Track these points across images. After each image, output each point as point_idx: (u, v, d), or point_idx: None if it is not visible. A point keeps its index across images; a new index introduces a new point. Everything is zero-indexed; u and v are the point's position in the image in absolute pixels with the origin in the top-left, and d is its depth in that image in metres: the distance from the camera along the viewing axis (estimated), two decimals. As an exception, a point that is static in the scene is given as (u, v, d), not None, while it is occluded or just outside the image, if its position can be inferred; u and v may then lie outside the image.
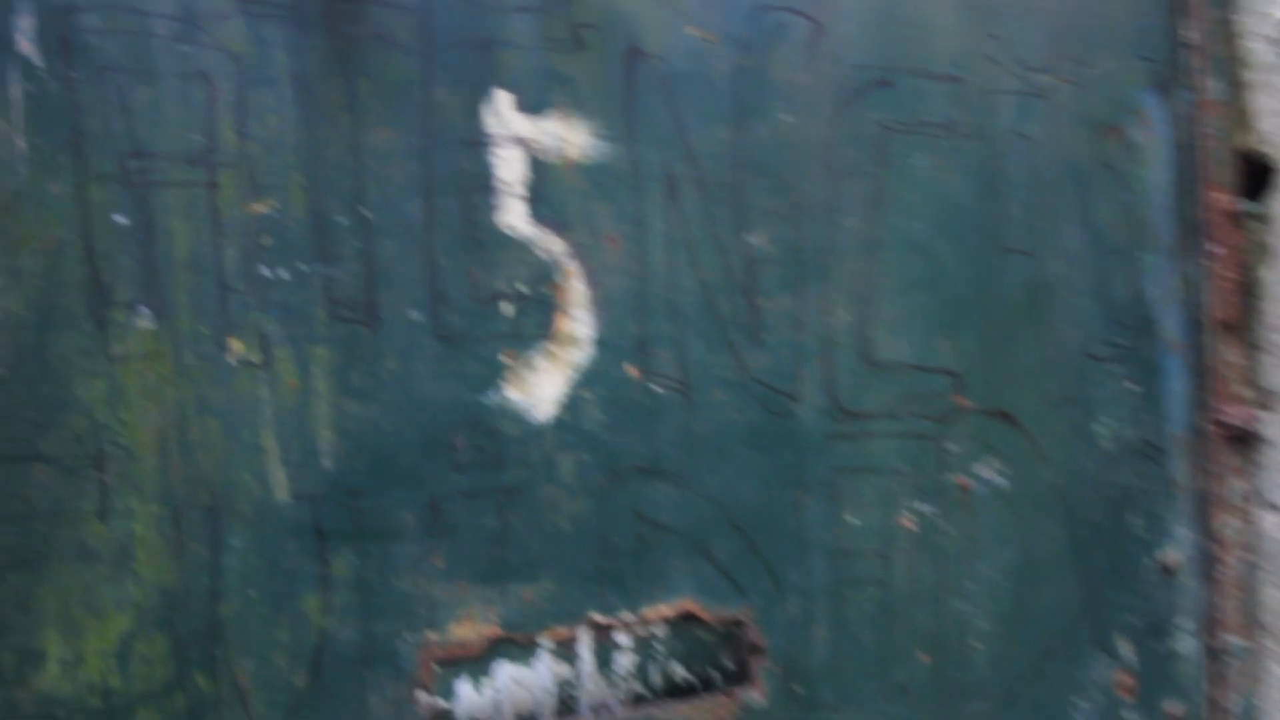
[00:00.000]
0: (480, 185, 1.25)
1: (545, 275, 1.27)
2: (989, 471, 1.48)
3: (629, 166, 1.29)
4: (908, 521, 1.43)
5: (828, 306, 1.38)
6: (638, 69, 1.29)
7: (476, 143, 1.24)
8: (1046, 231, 1.48)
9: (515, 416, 1.27)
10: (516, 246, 1.26)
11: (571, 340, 1.28)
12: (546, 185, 1.27)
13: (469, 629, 1.26)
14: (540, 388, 1.28)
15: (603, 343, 1.29)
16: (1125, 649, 1.55)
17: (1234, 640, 1.58)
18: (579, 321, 1.29)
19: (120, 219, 1.16)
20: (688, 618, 1.35)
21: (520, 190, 1.26)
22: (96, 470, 1.16)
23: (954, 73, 1.42)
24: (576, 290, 1.28)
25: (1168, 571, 1.57)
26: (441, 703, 1.25)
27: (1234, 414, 1.56)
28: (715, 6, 1.31)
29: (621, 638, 1.33)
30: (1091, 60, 1.50)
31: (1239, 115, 1.55)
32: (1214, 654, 1.58)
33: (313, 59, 1.20)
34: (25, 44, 1.13)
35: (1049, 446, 1.50)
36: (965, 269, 1.45)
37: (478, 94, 1.24)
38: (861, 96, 1.38)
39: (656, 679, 1.34)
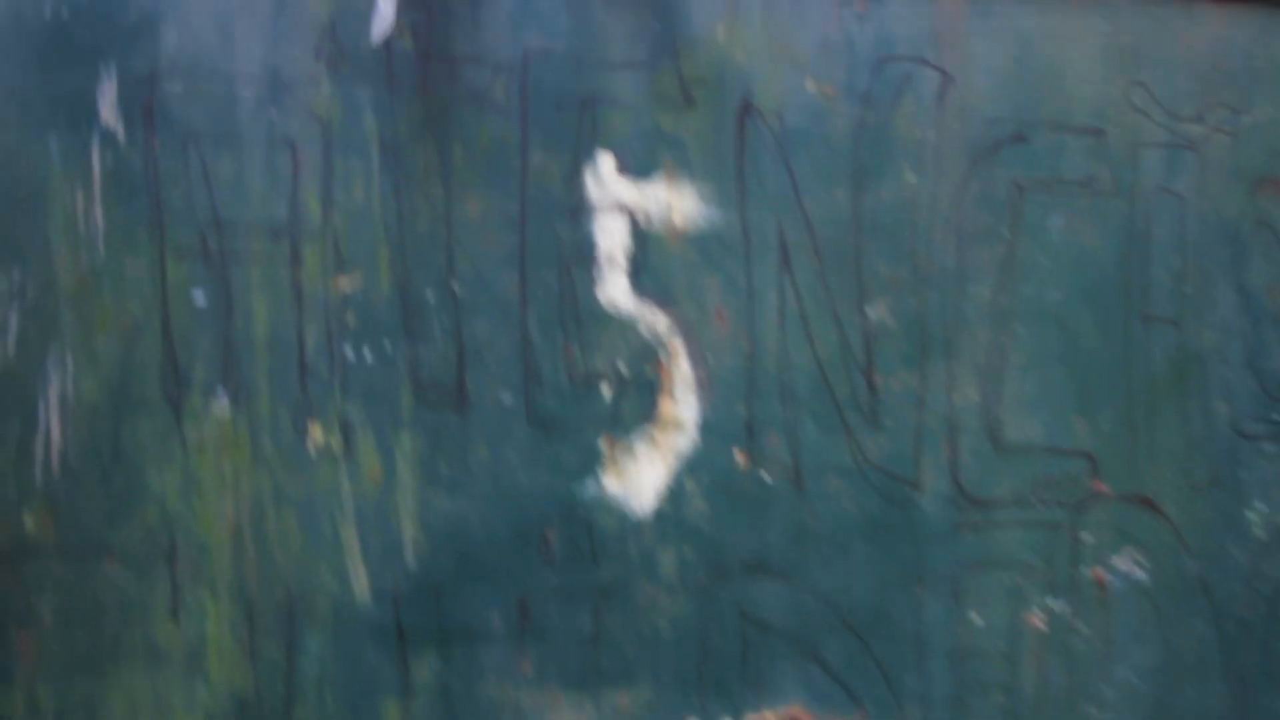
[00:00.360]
0: (579, 257, 1.15)
1: (648, 354, 1.17)
2: (1127, 564, 1.33)
3: (739, 234, 1.18)
4: (1037, 620, 1.29)
5: (953, 384, 1.25)
6: (751, 127, 1.19)
7: (576, 210, 1.14)
8: (1195, 297, 1.34)
9: (613, 508, 1.16)
10: (617, 323, 1.16)
11: (675, 424, 1.18)
12: (651, 255, 1.16)
13: (562, 742, 1.15)
14: (640, 477, 1.17)
15: (708, 427, 1.18)
16: (1277, 761, 1.38)
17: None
18: (683, 404, 1.18)
19: (199, 297, 1.09)
20: (797, 729, 1.23)
21: (622, 261, 1.16)
22: (168, 565, 1.09)
23: (1094, 124, 1.28)
24: (681, 370, 1.18)
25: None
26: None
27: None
28: (835, 58, 1.20)
29: (725, 750, 1.21)
30: (1248, 107, 1.35)
31: None
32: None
33: (403, 123, 1.11)
34: (107, 113, 1.07)
35: (1194, 535, 1.34)
36: (1104, 340, 1.30)
37: (578, 157, 1.15)
38: (993, 153, 1.25)
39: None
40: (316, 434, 1.10)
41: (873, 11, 1.21)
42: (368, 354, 1.10)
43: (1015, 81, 1.25)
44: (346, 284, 1.10)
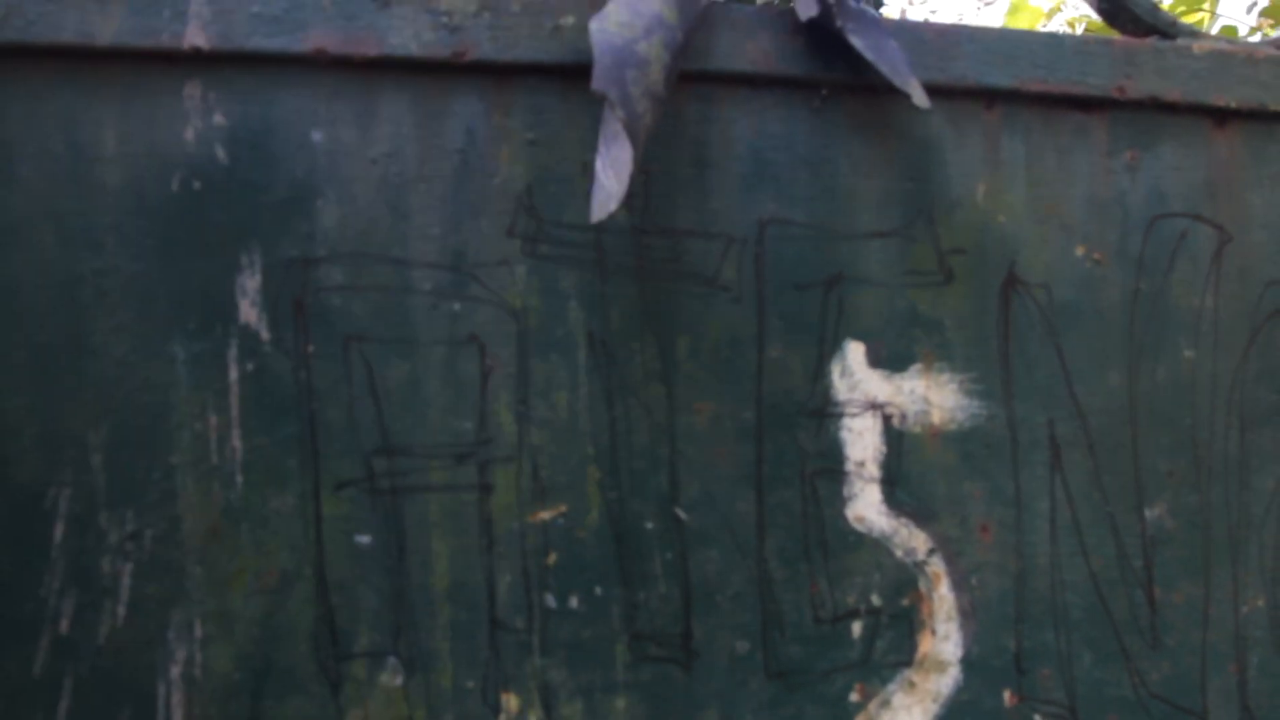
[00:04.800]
0: (826, 469, 0.95)
1: (906, 582, 0.97)
2: None
3: (1006, 431, 0.99)
4: None
5: (1239, 592, 1.07)
6: (1016, 303, 1.01)
7: (821, 413, 0.95)
8: None
9: (866, 774, 0.96)
10: (869, 546, 0.96)
11: (937, 665, 0.97)
12: (907, 463, 0.96)
13: None
14: (896, 732, 0.97)
15: (972, 664, 0.98)
16: None
17: None
18: (945, 639, 0.98)
19: (363, 540, 0.87)
20: None
21: (874, 472, 0.96)
22: None
23: (1380, 282, 1.13)
24: (943, 598, 0.98)
25: None
26: None
27: None
28: (1106, 217, 1.02)
29: None
30: None
31: None
32: None
33: (615, 313, 0.91)
34: (247, 309, 0.85)
35: None
36: (1386, 526, 1.14)
37: (824, 348, 0.96)
38: (1276, 320, 1.09)
39: None
40: (511, 705, 0.87)
41: (1145, 162, 1.05)
42: (574, 601, 0.89)
43: (1295, 236, 1.10)
44: (548, 516, 0.89)
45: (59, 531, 0.80)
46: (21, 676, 0.79)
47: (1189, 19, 2.50)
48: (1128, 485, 1.02)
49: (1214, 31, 2.51)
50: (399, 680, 0.85)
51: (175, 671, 0.82)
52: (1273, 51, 1.09)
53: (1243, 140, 1.07)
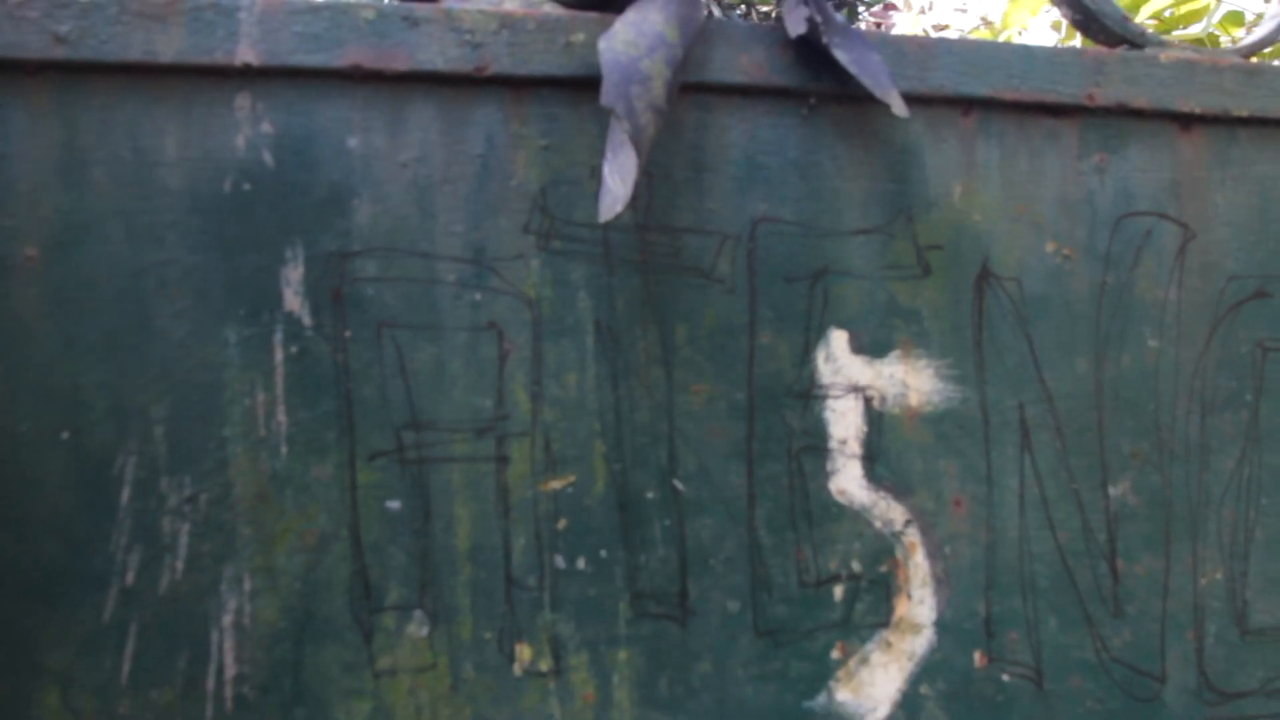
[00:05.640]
0: (811, 446, 1.04)
1: (884, 550, 1.06)
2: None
3: (978, 413, 1.07)
4: (1282, 817, 1.18)
5: (1198, 565, 1.15)
6: (989, 295, 1.09)
7: (808, 395, 1.04)
8: None
9: (846, 723, 1.05)
10: (850, 517, 1.04)
11: (912, 626, 1.06)
12: (886, 441, 1.05)
13: None
14: (874, 686, 1.05)
15: (945, 627, 1.06)
16: None
17: None
18: (920, 603, 1.06)
19: (393, 505, 0.97)
20: None
21: (856, 449, 1.05)
22: (355, 811, 0.96)
23: (1337, 277, 1.20)
24: (918, 566, 1.07)
25: None
26: None
27: None
28: (1076, 216, 1.10)
29: None
30: None
31: None
32: None
33: (620, 303, 1.01)
34: (291, 298, 0.95)
35: None
36: (1343, 506, 1.21)
37: (810, 336, 1.04)
38: (1236, 312, 1.16)
39: None
40: (524, 654, 0.97)
41: (1113, 164, 1.12)
42: (581, 563, 0.98)
43: (1256, 234, 1.16)
44: (559, 485, 0.98)
45: (125, 495, 0.91)
46: (93, 623, 0.89)
47: (1189, 4, 2.53)
48: (1093, 464, 1.10)
49: (1217, 18, 2.55)
50: (424, 631, 0.95)
51: (227, 620, 0.92)
52: (1236, 59, 1.16)
53: (1206, 143, 1.14)
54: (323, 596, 0.94)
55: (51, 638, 0.88)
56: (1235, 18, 2.57)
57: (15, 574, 0.88)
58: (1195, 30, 2.42)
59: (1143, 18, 2.46)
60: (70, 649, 0.89)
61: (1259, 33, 1.21)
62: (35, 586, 0.88)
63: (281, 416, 0.94)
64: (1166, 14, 2.55)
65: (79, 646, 0.89)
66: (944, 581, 1.06)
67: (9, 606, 0.88)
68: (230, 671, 0.92)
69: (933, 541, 1.05)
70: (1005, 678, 1.08)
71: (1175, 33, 2.44)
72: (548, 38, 0.98)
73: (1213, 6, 2.53)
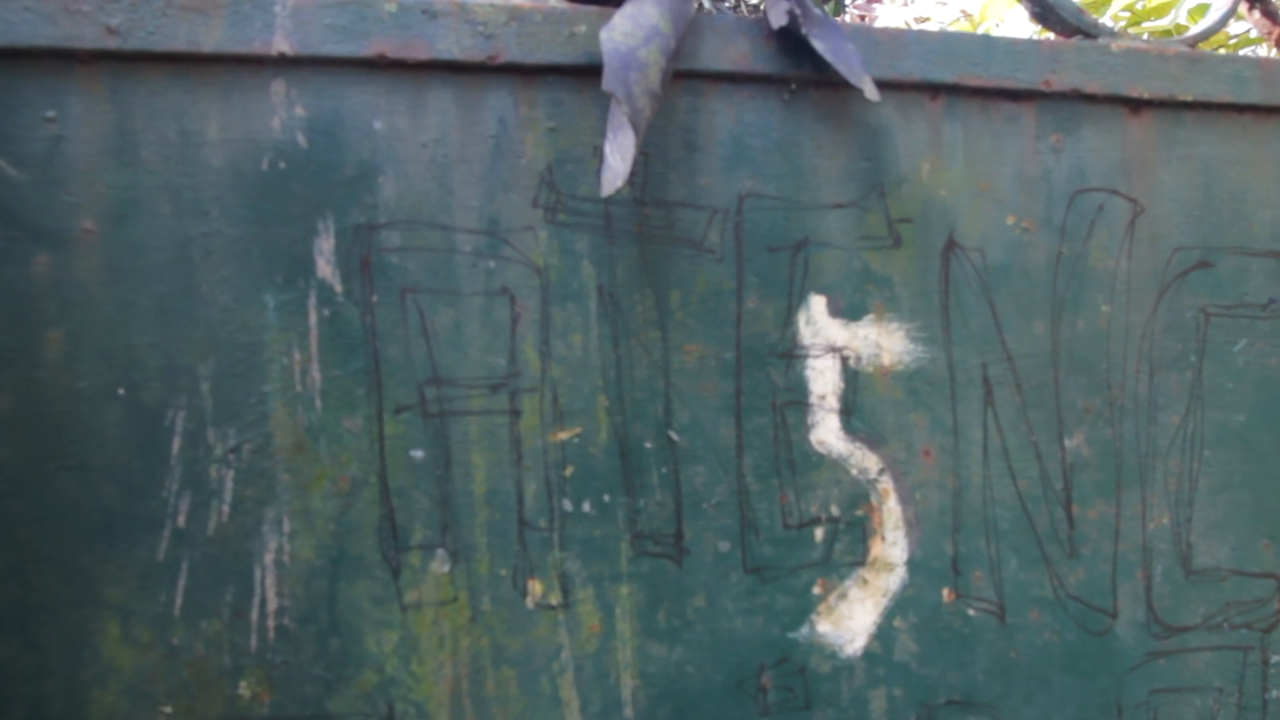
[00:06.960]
0: (793, 400, 1.14)
1: (860, 496, 1.16)
2: (1306, 679, 1.33)
3: (945, 371, 1.17)
4: (1225, 741, 1.29)
5: (1146, 511, 1.25)
6: (955, 264, 1.19)
7: (790, 354, 1.14)
8: (1365, 413, 1.35)
9: (826, 652, 1.14)
10: (829, 465, 1.15)
11: (885, 565, 1.16)
12: (861, 396, 1.15)
13: None
14: (852, 619, 1.15)
15: (916, 565, 1.17)
16: None
17: None
18: (893, 544, 1.17)
19: (417, 454, 1.06)
20: None
21: (834, 404, 1.15)
22: (384, 730, 1.06)
23: (1276, 248, 1.30)
24: (891, 510, 1.17)
25: None
26: None
27: None
28: (1034, 191, 1.20)
29: None
30: None
31: None
32: None
33: (621, 270, 1.10)
34: (324, 266, 1.04)
35: (1365, 646, 1.35)
36: (1282, 458, 1.32)
37: (792, 301, 1.14)
38: (1181, 280, 1.26)
39: None
40: (536, 589, 1.07)
41: (1068, 145, 1.22)
42: (586, 506, 1.08)
43: (1200, 208, 1.27)
44: (566, 435, 1.08)
45: (176, 445, 1.00)
46: (149, 560, 0.99)
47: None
48: (1050, 418, 1.21)
49: (1184, 10, 2.65)
50: (446, 568, 1.05)
51: (268, 558, 1.02)
52: (1181, 49, 1.26)
53: (1154, 125, 1.25)
54: (354, 537, 1.04)
55: (111, 574, 0.98)
56: (1203, 10, 2.68)
57: (78, 517, 0.98)
58: (1164, 23, 2.53)
59: (1115, 10, 2.56)
60: (129, 584, 0.99)
61: (1203, 23, 1.31)
62: (96, 528, 0.98)
63: (316, 373, 1.03)
64: (1138, 6, 2.66)
65: (136, 582, 0.99)
66: (915, 524, 1.16)
67: (73, 546, 0.98)
68: (272, 605, 1.02)
69: (904, 488, 1.16)
70: (971, 612, 1.19)
71: (1145, 24, 2.55)
72: (553, 29, 1.08)
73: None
